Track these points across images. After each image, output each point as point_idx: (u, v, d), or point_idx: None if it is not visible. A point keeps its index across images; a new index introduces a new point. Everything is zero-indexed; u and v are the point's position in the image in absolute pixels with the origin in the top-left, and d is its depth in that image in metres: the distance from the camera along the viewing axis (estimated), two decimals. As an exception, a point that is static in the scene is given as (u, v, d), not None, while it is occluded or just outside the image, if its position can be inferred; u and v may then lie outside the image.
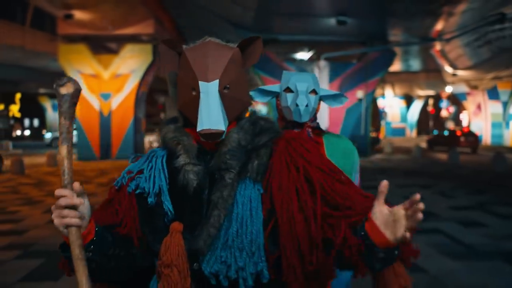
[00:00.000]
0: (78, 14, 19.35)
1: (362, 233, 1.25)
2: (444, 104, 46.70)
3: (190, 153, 1.44)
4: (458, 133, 30.61)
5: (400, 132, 55.36)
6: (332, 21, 18.30)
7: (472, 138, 29.90)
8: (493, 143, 37.07)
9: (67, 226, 1.27)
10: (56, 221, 1.28)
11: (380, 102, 54.13)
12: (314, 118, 2.41)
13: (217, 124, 1.34)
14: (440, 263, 5.92)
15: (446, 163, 20.67)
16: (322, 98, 2.44)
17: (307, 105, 2.29)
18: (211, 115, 1.34)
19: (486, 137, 37.98)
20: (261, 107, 29.04)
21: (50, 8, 19.34)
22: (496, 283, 5.25)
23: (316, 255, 1.32)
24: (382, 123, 55.57)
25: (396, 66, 36.30)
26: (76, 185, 1.29)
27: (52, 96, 57.45)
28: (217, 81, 1.37)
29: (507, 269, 5.73)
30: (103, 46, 25.36)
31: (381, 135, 46.35)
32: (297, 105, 2.29)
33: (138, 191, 1.46)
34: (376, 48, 22.17)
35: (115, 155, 23.27)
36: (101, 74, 23.02)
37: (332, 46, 22.24)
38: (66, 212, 1.26)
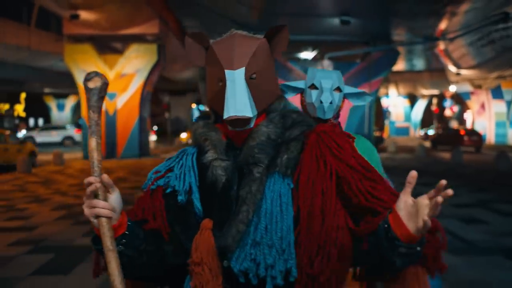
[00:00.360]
0: (84, 15, 19.49)
1: (386, 225, 1.21)
2: (447, 103, 46.62)
3: (218, 148, 1.42)
4: (462, 132, 30.66)
5: (404, 131, 55.39)
6: (336, 21, 18.35)
7: (476, 137, 29.95)
8: (497, 142, 37.08)
9: (97, 217, 1.26)
10: (86, 211, 1.27)
11: (384, 102, 54.05)
12: (337, 115, 2.44)
13: (244, 110, 1.32)
14: (440, 258, 6.04)
15: (449, 162, 20.77)
16: (346, 96, 2.46)
17: (331, 102, 2.31)
18: (237, 102, 1.32)
19: (490, 136, 38.00)
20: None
21: (56, 8, 19.50)
22: (496, 277, 5.38)
23: (322, 259, 1.28)
24: (386, 122, 55.61)
25: (400, 66, 36.32)
26: (105, 177, 1.28)
27: (56, 95, 57.71)
28: (243, 68, 1.36)
29: (507, 264, 5.86)
30: (108, 46, 25.52)
31: (385, 134, 46.37)
32: (321, 102, 2.32)
33: (168, 189, 1.44)
34: (379, 48, 22.22)
35: (120, 154, 23.42)
36: (106, 74, 22.95)
37: (336, 45, 22.34)
38: (95, 201, 1.25)
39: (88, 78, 1.35)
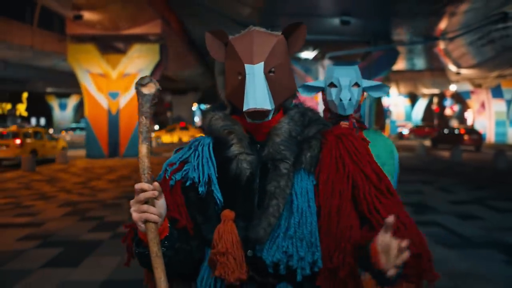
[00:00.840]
0: (87, 15, 19.72)
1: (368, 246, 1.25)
2: (448, 102, 46.88)
3: (243, 143, 1.46)
4: (462, 131, 30.86)
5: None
6: (336, 21, 18.62)
7: (476, 136, 30.14)
8: (497, 141, 37.29)
9: (146, 222, 1.29)
10: (135, 215, 1.29)
11: (385, 101, 54.24)
12: (358, 109, 2.51)
13: (263, 103, 1.36)
14: (434, 252, 6.25)
15: (449, 161, 20.97)
16: (365, 89, 2.52)
17: (350, 99, 2.38)
18: (257, 95, 1.37)
19: (490, 135, 38.21)
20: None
21: (60, 9, 19.73)
22: (488, 270, 5.59)
23: (339, 254, 1.34)
24: (387, 121, 55.79)
25: (400, 65, 36.46)
26: (156, 184, 1.30)
27: (58, 95, 57.90)
28: (262, 63, 1.40)
29: (497, 257, 6.07)
30: (111, 46, 25.75)
31: (386, 133, 46.53)
32: (341, 99, 2.39)
33: (188, 182, 1.47)
34: (380, 48, 22.45)
35: (123, 153, 23.63)
36: (109, 74, 23.41)
37: (337, 45, 22.57)
38: (146, 207, 1.28)
39: (142, 83, 1.33)
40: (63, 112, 60.20)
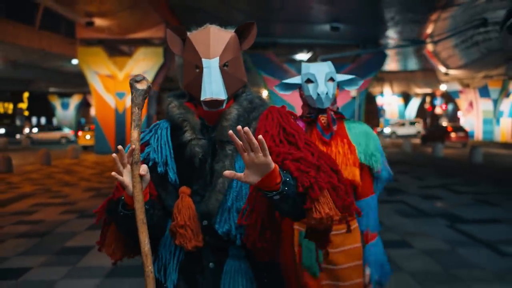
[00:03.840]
0: (98, 21, 21.21)
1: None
2: (438, 101, 48.45)
3: (195, 129, 1.61)
4: (449, 128, 32.50)
5: (398, 128, 56.90)
6: (327, 27, 20.15)
7: (462, 134, 31.79)
8: (484, 139, 38.67)
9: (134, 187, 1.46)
10: (128, 179, 1.47)
11: (379, 100, 55.57)
12: (334, 102, 2.61)
13: (219, 93, 1.51)
14: (394, 220, 7.93)
15: (430, 155, 22.70)
16: (339, 83, 2.62)
17: (327, 93, 2.46)
18: (213, 86, 1.51)
19: (478, 133, 39.64)
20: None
21: (73, 16, 21.18)
22: (430, 230, 7.24)
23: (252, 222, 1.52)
24: (381, 120, 57.18)
25: (394, 65, 37.79)
26: (144, 166, 1.49)
27: (61, 94, 59.14)
28: (217, 58, 1.53)
29: (441, 222, 7.76)
30: (118, 49, 27.43)
31: (376, 131, 47.58)
32: (318, 94, 2.47)
33: (150, 163, 1.62)
34: (369, 51, 23.92)
35: (129, 149, 25.20)
36: (116, 75, 25.01)
37: (329, 48, 24.11)
38: (120, 168, 1.48)
39: (137, 80, 1.53)
40: (65, 111, 61.05)
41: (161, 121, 1.72)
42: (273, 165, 1.34)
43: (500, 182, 12.75)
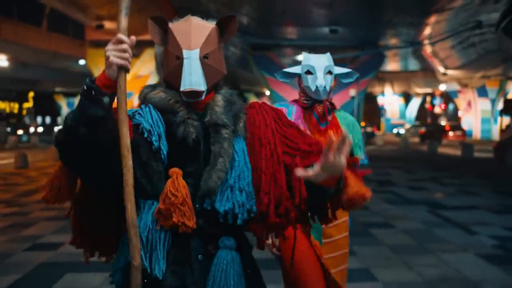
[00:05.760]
0: (108, 24, 22.18)
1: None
2: (437, 101, 49.19)
3: (189, 110, 1.60)
4: (447, 127, 33.38)
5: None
6: (326, 29, 21.02)
7: (460, 133, 32.67)
8: (482, 138, 39.22)
9: (120, 68, 1.47)
10: (114, 59, 1.44)
11: (380, 100, 56.17)
12: (329, 92, 2.68)
13: (199, 84, 1.55)
14: (381, 206, 8.85)
15: (425, 153, 23.66)
16: (336, 76, 2.71)
17: (325, 87, 2.56)
18: (193, 77, 1.54)
19: (476, 132, 40.27)
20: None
21: (85, 20, 22.17)
22: (412, 214, 8.16)
23: (268, 199, 1.60)
24: (382, 119, 57.82)
25: (394, 66, 38.52)
26: (133, 38, 1.50)
27: (67, 94, 59.99)
28: (198, 49, 1.56)
29: (423, 208, 8.68)
30: (126, 50, 28.21)
31: (377, 130, 47.87)
32: (316, 87, 2.55)
33: (145, 134, 1.57)
34: (367, 52, 24.73)
35: (137, 146, 26.19)
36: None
37: (329, 49, 24.93)
38: (126, 55, 1.47)
39: None
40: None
41: (141, 106, 1.67)
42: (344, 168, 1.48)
43: (486, 176, 13.65)
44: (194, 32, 1.57)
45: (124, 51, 1.46)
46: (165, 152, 1.57)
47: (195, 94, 1.55)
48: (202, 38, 1.57)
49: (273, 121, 1.70)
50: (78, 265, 5.44)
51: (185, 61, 1.55)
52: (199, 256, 1.58)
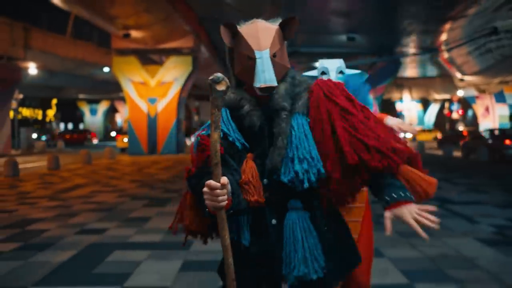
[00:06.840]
0: (134, 33, 23.14)
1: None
2: (455, 107, 49.40)
3: (251, 103, 1.84)
4: (464, 133, 33.71)
5: (417, 134, 57.47)
6: (343, 37, 21.73)
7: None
8: (500, 143, 39.47)
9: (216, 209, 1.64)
10: (209, 203, 1.63)
11: (398, 106, 56.42)
12: None
13: (272, 80, 1.73)
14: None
15: (441, 156, 24.15)
16: (348, 76, 2.98)
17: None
18: (266, 74, 1.73)
19: (494, 137, 40.42)
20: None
21: (112, 29, 23.14)
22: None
23: (332, 163, 1.76)
24: (400, 125, 57.77)
25: (413, 72, 38.92)
26: (224, 179, 1.63)
27: (89, 101, 61.29)
28: (268, 49, 1.75)
29: (433, 203, 9.22)
30: (150, 58, 29.57)
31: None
32: None
33: (221, 134, 1.78)
34: (384, 59, 25.32)
35: (160, 151, 27.29)
36: (148, 82, 27.02)
37: (347, 56, 25.65)
38: (219, 199, 1.62)
39: (216, 80, 1.59)
40: (93, 117, 63.12)
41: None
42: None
43: (496, 176, 14.22)
44: (262, 34, 1.77)
45: (217, 196, 1.62)
46: (238, 144, 1.83)
47: (269, 89, 1.74)
48: (270, 39, 1.77)
49: (348, 104, 1.85)
50: (124, 244, 6.28)
51: (257, 61, 1.74)
52: (273, 220, 1.82)
